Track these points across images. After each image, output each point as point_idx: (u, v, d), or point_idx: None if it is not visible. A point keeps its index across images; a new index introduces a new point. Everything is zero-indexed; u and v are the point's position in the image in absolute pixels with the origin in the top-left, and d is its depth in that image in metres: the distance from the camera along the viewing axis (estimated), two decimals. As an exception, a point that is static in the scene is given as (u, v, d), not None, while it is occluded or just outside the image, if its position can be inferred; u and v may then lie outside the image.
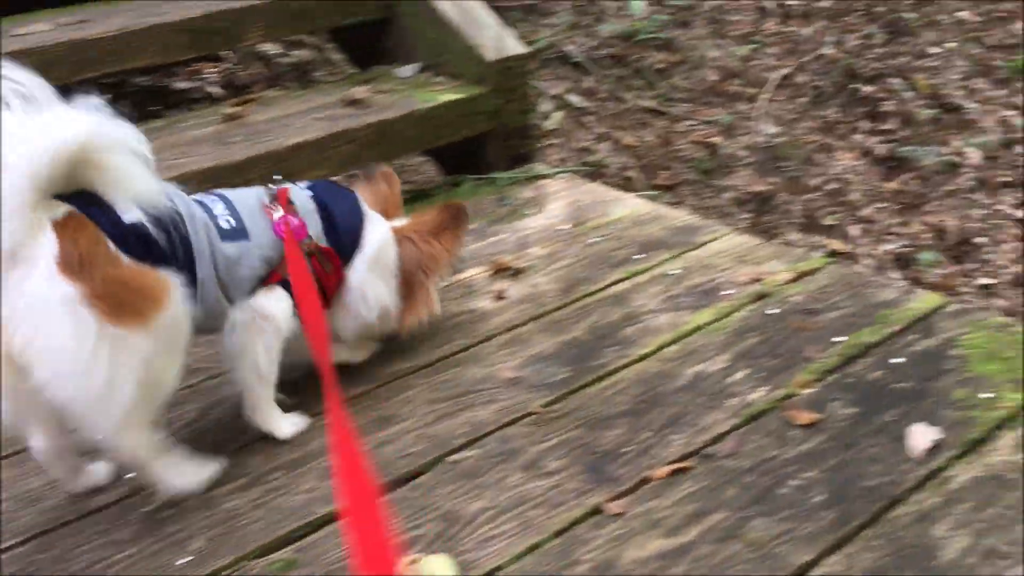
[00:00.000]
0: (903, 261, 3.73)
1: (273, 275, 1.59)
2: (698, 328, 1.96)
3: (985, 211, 4.09)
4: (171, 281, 1.37)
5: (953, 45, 4.95)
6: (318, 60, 4.20)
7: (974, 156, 4.31)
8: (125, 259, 1.32)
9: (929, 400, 1.66)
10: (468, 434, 1.71)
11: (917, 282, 3.62)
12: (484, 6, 2.84)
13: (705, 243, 2.28)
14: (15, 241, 1.22)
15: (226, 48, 3.48)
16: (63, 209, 1.29)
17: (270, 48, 4.16)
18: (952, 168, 4.24)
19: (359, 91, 2.76)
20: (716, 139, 4.02)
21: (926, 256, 3.69)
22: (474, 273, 2.26)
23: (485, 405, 1.78)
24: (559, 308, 2.10)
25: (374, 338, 1.92)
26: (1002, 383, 1.68)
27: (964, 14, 5.23)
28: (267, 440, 1.70)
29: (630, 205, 2.53)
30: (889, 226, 3.91)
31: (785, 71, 4.47)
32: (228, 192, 1.63)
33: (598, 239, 2.34)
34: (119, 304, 1.28)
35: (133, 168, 1.31)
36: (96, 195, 1.31)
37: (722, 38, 4.54)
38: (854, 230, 3.87)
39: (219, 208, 1.56)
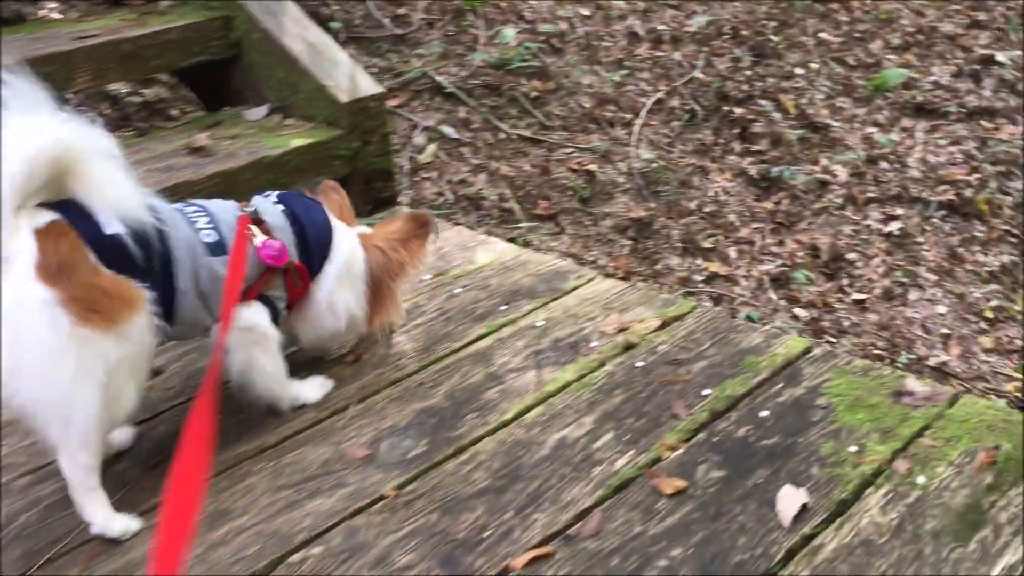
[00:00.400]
0: (779, 281, 3.77)
1: (251, 291, 1.63)
2: (564, 387, 1.87)
3: (854, 227, 4.19)
4: (142, 293, 1.41)
5: (816, 66, 5.10)
6: (172, 98, 3.94)
7: (841, 173, 4.43)
8: (102, 268, 1.36)
9: (797, 457, 1.60)
10: (312, 527, 1.54)
11: (794, 301, 3.67)
12: (335, 43, 2.68)
13: (572, 290, 2.20)
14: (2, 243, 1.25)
15: (57, 92, 3.18)
16: (47, 218, 1.33)
17: (119, 87, 3.87)
18: (821, 186, 4.34)
19: (202, 137, 2.55)
20: (593, 166, 3.98)
21: (800, 275, 3.74)
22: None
23: (332, 491, 1.61)
24: (418, 371, 1.97)
25: (329, 350, 1.98)
26: (868, 433, 1.64)
27: (824, 35, 5.41)
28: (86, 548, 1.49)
29: (496, 250, 2.43)
30: (765, 246, 3.96)
31: (658, 95, 4.49)
32: (207, 204, 1.64)
33: (461, 289, 2.24)
34: (92, 308, 1.32)
35: (112, 177, 1.36)
36: (81, 206, 1.35)
37: (595, 64, 4.52)
38: (732, 251, 3.89)
39: (202, 221, 1.57)
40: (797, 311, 3.60)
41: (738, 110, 4.62)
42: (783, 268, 3.78)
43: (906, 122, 4.93)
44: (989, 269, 4.01)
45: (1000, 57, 5.30)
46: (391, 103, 3.86)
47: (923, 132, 4.85)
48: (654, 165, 4.08)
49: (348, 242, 1.80)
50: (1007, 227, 4.25)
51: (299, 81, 2.61)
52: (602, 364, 1.93)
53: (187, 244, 1.52)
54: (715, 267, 3.75)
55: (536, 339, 2.02)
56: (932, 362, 3.42)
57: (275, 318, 1.70)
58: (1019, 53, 5.37)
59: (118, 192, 1.37)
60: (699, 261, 3.79)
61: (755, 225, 4.06)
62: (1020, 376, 3.44)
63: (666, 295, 2.17)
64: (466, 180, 3.73)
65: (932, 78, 5.23)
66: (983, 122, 4.91)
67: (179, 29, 2.58)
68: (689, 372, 1.88)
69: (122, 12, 3.11)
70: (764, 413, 1.72)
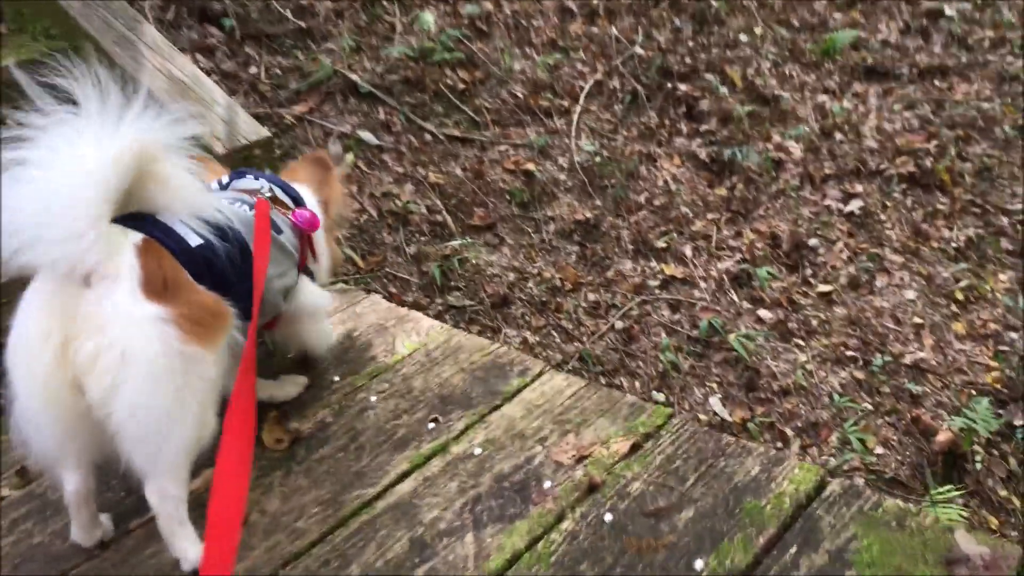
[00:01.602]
0: (740, 279, 3.49)
1: (301, 264, 1.67)
2: (512, 560, 1.42)
3: (814, 208, 3.93)
4: (231, 309, 1.39)
5: (760, 31, 4.79)
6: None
7: (795, 150, 4.15)
8: (196, 284, 1.34)
9: None
10: None
11: (758, 302, 3.39)
12: (206, 77, 2.22)
13: (516, 392, 1.74)
14: (93, 259, 1.22)
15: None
16: (139, 234, 1.29)
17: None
18: (776, 166, 4.06)
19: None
20: (531, 165, 3.62)
21: (762, 272, 3.47)
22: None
23: None
24: (320, 539, 1.47)
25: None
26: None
27: (768, -5, 5.08)
28: None
29: (421, 331, 1.96)
30: (722, 240, 3.67)
31: (597, 77, 4.13)
32: (224, 195, 1.58)
33: (376, 397, 1.77)
34: (199, 324, 1.30)
35: (186, 177, 1.33)
36: (154, 218, 1.32)
37: (526, 46, 4.13)
38: (687, 249, 3.59)
39: (247, 208, 1.54)
40: (762, 312, 3.33)
41: (683, 86, 4.28)
42: (743, 265, 3.50)
43: (858, 86, 4.66)
44: (955, 245, 3.80)
45: (948, 10, 5.05)
46: (299, 110, 3.42)
47: (876, 97, 4.60)
48: (597, 158, 3.74)
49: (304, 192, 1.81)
50: (969, 196, 4.03)
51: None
52: (560, 519, 1.49)
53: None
54: (671, 269, 3.45)
55: (473, 477, 1.57)
56: (908, 360, 3.19)
57: (312, 279, 1.76)
58: (966, 4, 5.12)
59: (193, 194, 1.36)
60: (653, 263, 3.48)
61: (710, 216, 3.77)
62: (998, 365, 3.23)
63: (631, 398, 1.68)
64: (390, 192, 3.34)
65: (880, 36, 4.97)
66: (936, 82, 4.68)
67: (21, 65, 2.08)
68: (674, 530, 1.47)
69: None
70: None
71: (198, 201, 1.37)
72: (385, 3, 3.92)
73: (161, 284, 1.28)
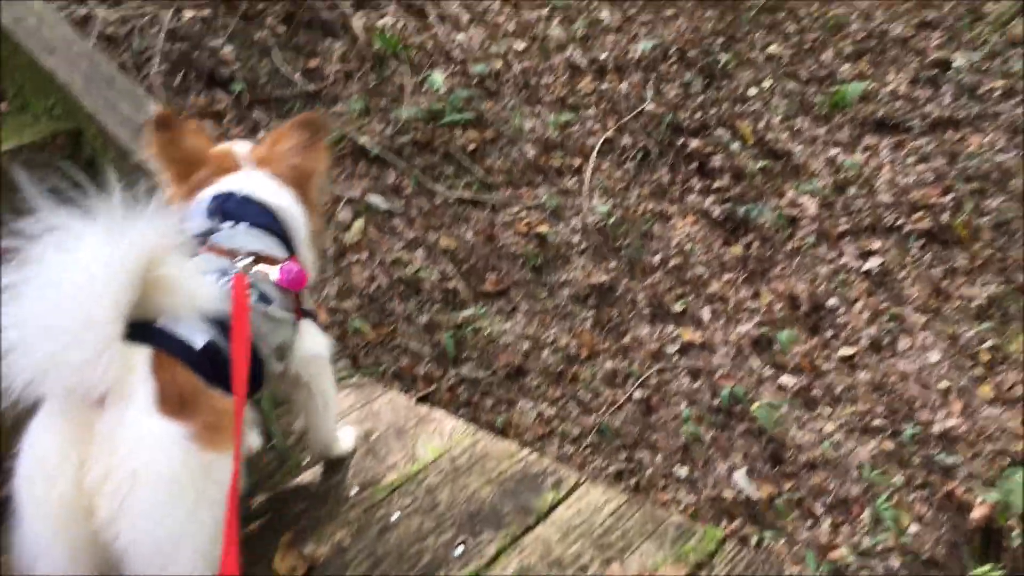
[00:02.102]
0: (760, 344, 3.41)
1: (296, 314, 1.61)
2: None
3: (831, 267, 3.86)
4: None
5: (769, 83, 4.76)
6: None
7: (810, 206, 4.09)
8: (208, 387, 1.30)
9: None
10: None
11: (780, 368, 3.30)
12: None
13: (550, 509, 1.59)
14: (108, 380, 1.17)
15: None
16: (147, 347, 1.25)
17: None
18: (791, 223, 3.99)
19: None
20: (544, 227, 3.56)
21: (782, 336, 3.38)
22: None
23: None
24: None
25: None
26: None
27: (774, 48, 5.07)
28: None
29: (444, 433, 1.81)
30: (740, 301, 3.59)
31: (607, 134, 4.08)
32: (207, 266, 1.49)
33: (399, 514, 1.61)
34: (216, 432, 1.26)
35: (192, 281, 1.31)
36: (155, 327, 1.28)
37: (536, 104, 4.09)
38: (705, 312, 3.51)
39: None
40: (784, 379, 3.24)
41: (694, 142, 4.24)
42: (763, 328, 3.42)
43: (869, 139, 4.62)
44: (977, 303, 3.71)
45: (957, 61, 5.03)
46: (309, 176, 3.36)
47: (888, 150, 4.55)
48: (611, 218, 3.67)
49: (283, 199, 1.70)
50: (989, 252, 3.96)
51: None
52: None
53: (257, 317, 1.46)
54: (689, 334, 3.36)
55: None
56: (937, 428, 3.09)
57: (314, 319, 1.70)
58: (975, 55, 5.10)
59: (197, 294, 1.32)
60: (670, 328, 3.40)
61: (726, 276, 3.69)
62: (1030, 433, 3.13)
63: (677, 518, 1.53)
64: (401, 259, 3.27)
65: (889, 87, 4.93)
66: (948, 133, 4.63)
67: (23, 150, 2.01)
68: None
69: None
70: None
71: (201, 300, 1.32)
72: (394, 63, 3.89)
73: (177, 399, 1.24)
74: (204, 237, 1.56)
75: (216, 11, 3.62)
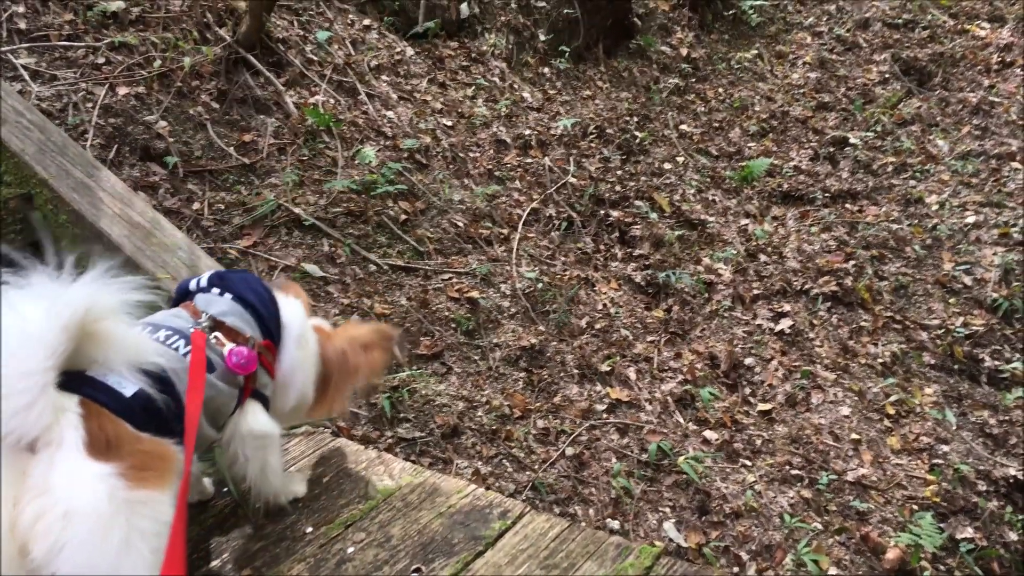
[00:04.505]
0: (684, 400, 3.56)
1: (245, 392, 1.63)
2: None
3: (746, 328, 4.08)
4: (175, 450, 1.40)
5: (683, 159, 5.08)
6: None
7: (725, 272, 4.34)
8: (139, 433, 1.35)
9: None
10: None
11: (703, 423, 3.45)
12: (167, 221, 2.21)
13: (499, 536, 1.68)
14: (40, 426, 1.23)
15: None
16: (75, 397, 1.30)
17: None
18: (708, 288, 4.23)
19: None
20: (475, 292, 3.67)
21: (704, 393, 3.55)
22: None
23: None
24: None
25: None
26: None
27: (686, 127, 5.43)
28: None
29: (395, 473, 1.89)
30: (663, 361, 3.76)
31: (533, 205, 4.28)
32: (163, 319, 1.58)
33: (354, 548, 1.67)
34: (145, 471, 1.32)
35: (126, 331, 1.36)
36: (83, 376, 1.33)
37: (464, 177, 4.27)
38: (631, 372, 3.66)
39: (181, 344, 1.54)
40: (707, 433, 3.38)
41: (615, 213, 4.48)
42: (685, 386, 3.58)
43: (776, 210, 4.95)
44: (882, 360, 3.98)
45: (852, 139, 5.48)
46: (243, 244, 3.42)
47: (794, 220, 4.89)
48: (539, 284, 3.82)
49: (296, 313, 1.76)
50: (889, 313, 4.26)
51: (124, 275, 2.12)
52: None
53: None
54: (616, 392, 3.49)
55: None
56: (851, 476, 3.27)
57: (266, 406, 1.69)
58: (869, 133, 5.57)
59: (130, 348, 1.37)
60: (598, 387, 3.53)
61: (650, 338, 3.87)
62: (934, 479, 3.34)
63: (616, 539, 1.65)
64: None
65: (792, 163, 5.33)
66: (848, 205, 5.01)
67: None
68: None
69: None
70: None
71: (134, 354, 1.39)
72: (326, 138, 4.02)
73: (104, 443, 1.30)
74: (190, 296, 1.67)
75: (150, 88, 3.70)
